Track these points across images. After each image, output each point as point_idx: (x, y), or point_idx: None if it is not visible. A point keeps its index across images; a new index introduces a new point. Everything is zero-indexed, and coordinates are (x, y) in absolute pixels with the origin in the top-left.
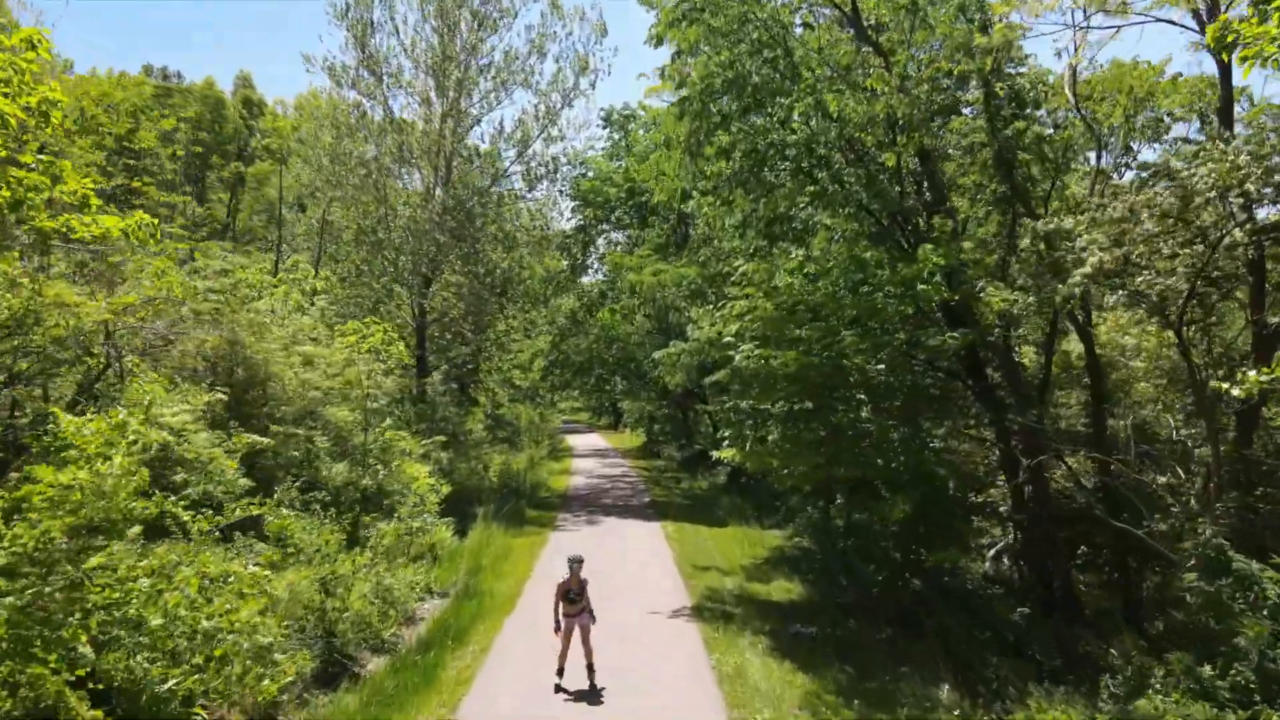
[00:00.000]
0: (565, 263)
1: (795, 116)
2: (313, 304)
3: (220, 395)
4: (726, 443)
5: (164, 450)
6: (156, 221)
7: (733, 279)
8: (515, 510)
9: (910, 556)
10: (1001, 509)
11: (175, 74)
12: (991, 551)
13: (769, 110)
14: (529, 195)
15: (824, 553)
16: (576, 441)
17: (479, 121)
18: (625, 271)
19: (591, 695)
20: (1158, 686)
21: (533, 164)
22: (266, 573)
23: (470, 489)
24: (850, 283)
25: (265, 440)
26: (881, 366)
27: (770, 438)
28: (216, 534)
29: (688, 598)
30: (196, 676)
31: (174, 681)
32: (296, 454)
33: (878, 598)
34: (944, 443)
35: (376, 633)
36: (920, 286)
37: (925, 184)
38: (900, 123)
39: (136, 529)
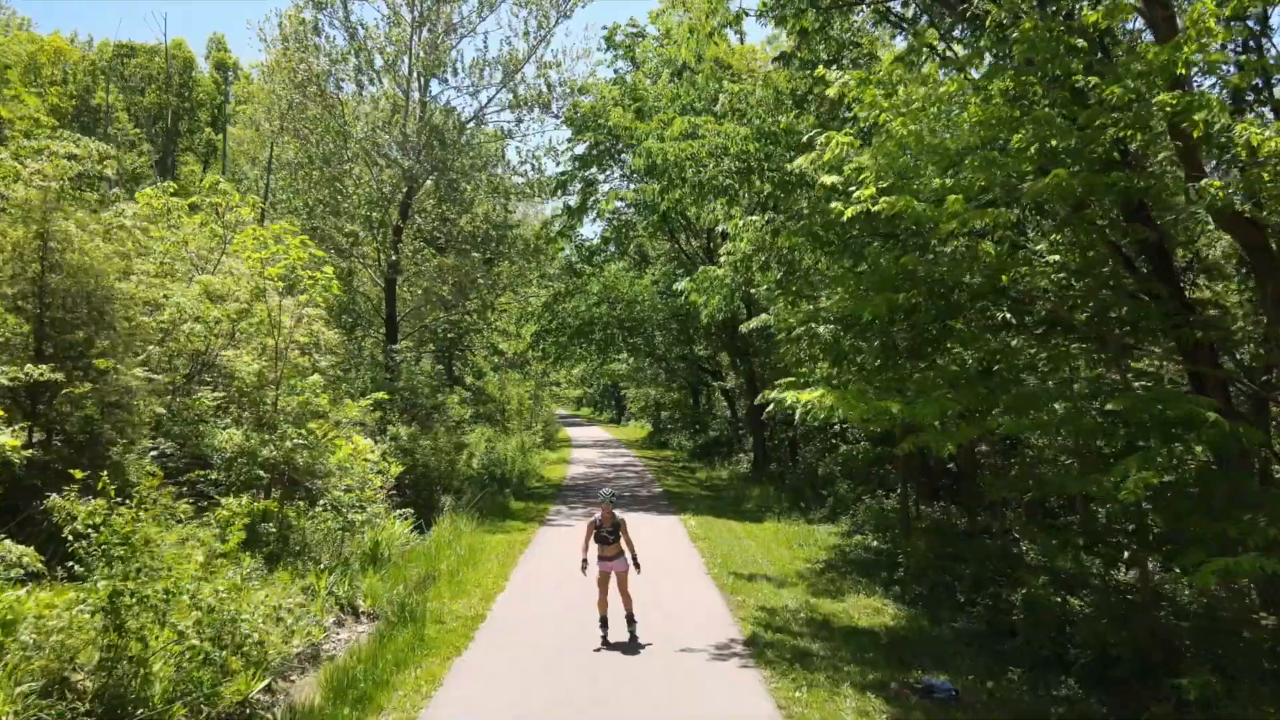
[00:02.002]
0: (562, 201)
1: None
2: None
3: None
4: (802, 380)
5: None
6: None
7: (828, 92)
8: (496, 501)
9: (1109, 568)
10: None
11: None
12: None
13: None
14: (518, 129)
15: (914, 556)
16: (576, 433)
17: (459, 36)
18: (643, 142)
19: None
20: None
21: (520, 89)
22: None
23: (439, 473)
24: (1028, 100)
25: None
26: (1055, 258)
27: (868, 385)
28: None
29: (735, 624)
30: None
31: None
32: (162, 411)
33: (1026, 626)
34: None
35: (214, 697)
36: (1157, 99)
37: None
38: None
39: None
